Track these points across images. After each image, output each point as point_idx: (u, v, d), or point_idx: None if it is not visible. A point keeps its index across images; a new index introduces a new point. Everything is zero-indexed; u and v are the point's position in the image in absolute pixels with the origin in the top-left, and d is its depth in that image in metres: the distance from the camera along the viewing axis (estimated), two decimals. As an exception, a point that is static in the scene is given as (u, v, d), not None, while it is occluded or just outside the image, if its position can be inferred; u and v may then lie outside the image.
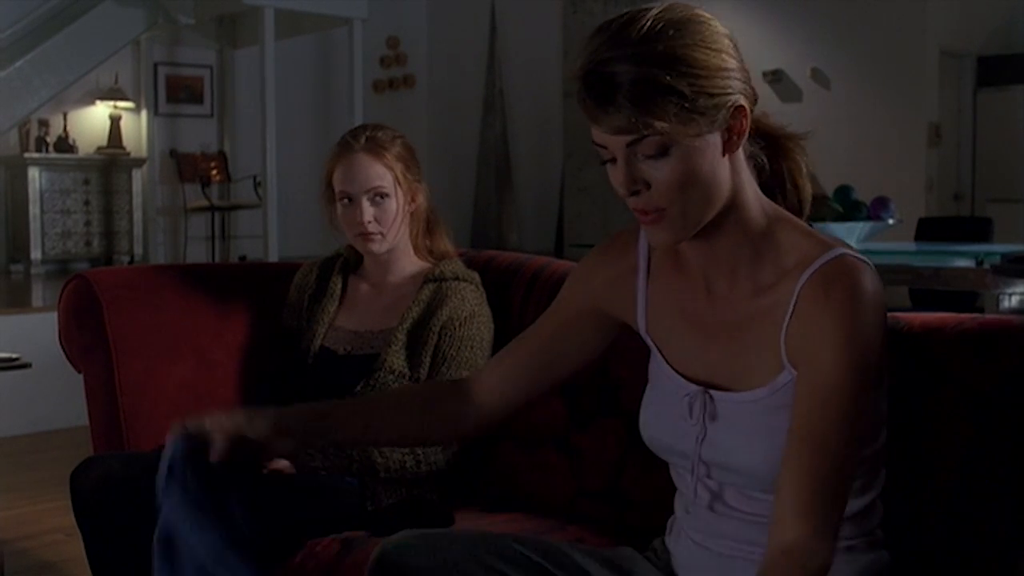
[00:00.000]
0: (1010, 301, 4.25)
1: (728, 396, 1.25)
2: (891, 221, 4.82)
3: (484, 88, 8.79)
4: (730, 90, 1.16)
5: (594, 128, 1.17)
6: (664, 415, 1.32)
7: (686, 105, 1.12)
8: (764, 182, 1.29)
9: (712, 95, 1.14)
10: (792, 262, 1.22)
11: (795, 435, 1.15)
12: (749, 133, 1.21)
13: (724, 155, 1.19)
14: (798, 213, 1.32)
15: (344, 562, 1.66)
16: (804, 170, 1.33)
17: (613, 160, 1.17)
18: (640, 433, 1.37)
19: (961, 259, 4.64)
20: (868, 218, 4.61)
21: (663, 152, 1.14)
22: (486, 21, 8.76)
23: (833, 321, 1.15)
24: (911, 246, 5.03)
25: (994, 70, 8.71)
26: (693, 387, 1.28)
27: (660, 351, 1.34)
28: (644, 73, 1.11)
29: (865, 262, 1.19)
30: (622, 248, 1.39)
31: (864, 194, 5.02)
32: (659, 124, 1.12)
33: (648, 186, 1.16)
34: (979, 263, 4.48)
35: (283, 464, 1.83)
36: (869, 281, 1.18)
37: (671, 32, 1.13)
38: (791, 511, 1.13)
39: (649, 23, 1.13)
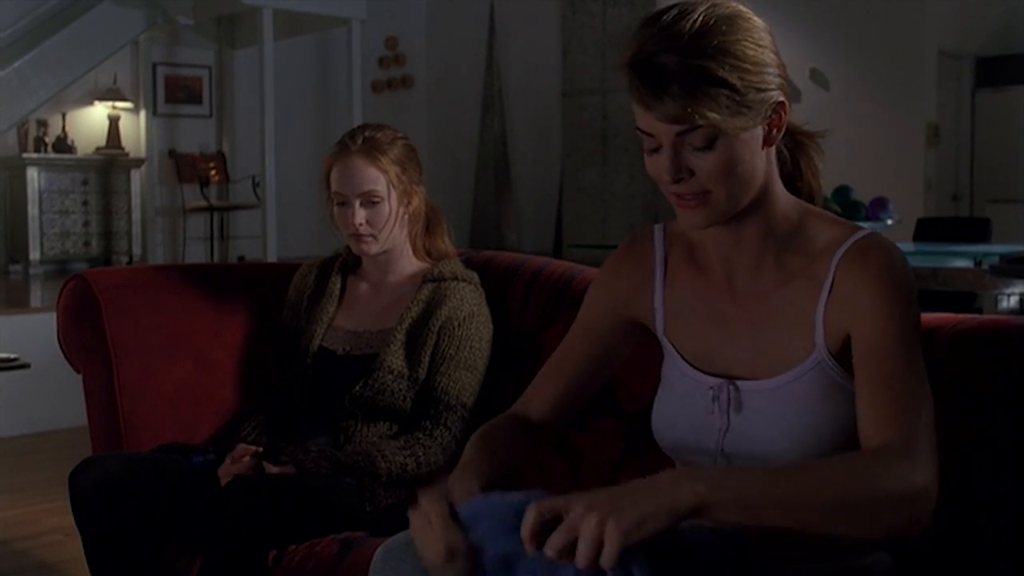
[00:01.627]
0: (1008, 301, 4.25)
1: (753, 385, 1.27)
2: (890, 222, 4.83)
3: (483, 89, 8.79)
4: (772, 85, 1.20)
5: (642, 116, 1.19)
6: (682, 414, 1.32)
7: (736, 98, 1.16)
8: (783, 175, 1.32)
9: (760, 90, 1.18)
10: (821, 245, 1.26)
11: (864, 382, 1.17)
12: None
13: (763, 148, 1.23)
14: None
15: (344, 562, 1.66)
16: (818, 168, 1.37)
17: (657, 149, 1.21)
18: (652, 434, 1.37)
19: (959, 259, 4.65)
20: (867, 218, 4.62)
21: (710, 143, 1.18)
22: (485, 22, 8.76)
23: (876, 284, 1.19)
24: (910, 246, 5.04)
25: (993, 71, 8.73)
26: (716, 380, 1.29)
27: (678, 352, 1.35)
28: (698, 65, 1.15)
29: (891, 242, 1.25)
30: (639, 254, 1.41)
31: (863, 194, 5.03)
32: (711, 115, 1.15)
33: (692, 174, 1.20)
34: (977, 263, 4.49)
35: (283, 468, 1.83)
36: (899, 253, 1.23)
37: (723, 27, 1.17)
38: (876, 435, 1.13)
39: (701, 18, 1.17)
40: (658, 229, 1.40)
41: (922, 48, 7.69)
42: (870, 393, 1.16)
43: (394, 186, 2.02)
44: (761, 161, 1.23)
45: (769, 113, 1.20)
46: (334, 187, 2.03)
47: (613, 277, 1.43)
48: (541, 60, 8.27)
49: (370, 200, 2.01)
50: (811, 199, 1.36)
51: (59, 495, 2.10)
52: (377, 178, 2.01)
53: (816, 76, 7.71)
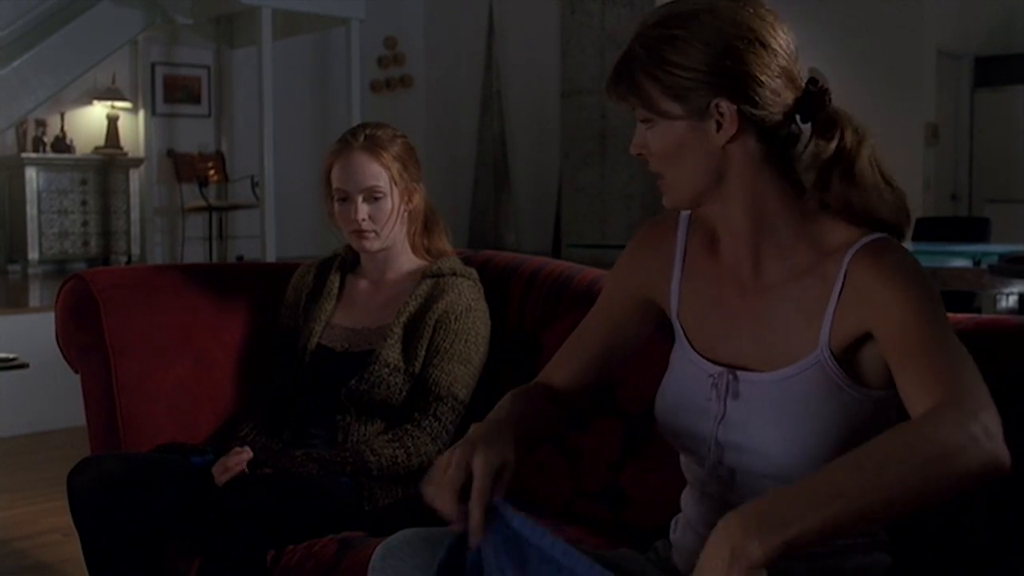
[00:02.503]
0: (1007, 301, 4.25)
1: (753, 376, 1.27)
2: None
3: (481, 88, 8.79)
4: (707, 88, 1.21)
5: None
6: (683, 399, 1.33)
7: (659, 90, 1.23)
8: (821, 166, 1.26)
9: (686, 88, 1.22)
10: (833, 244, 1.26)
11: (900, 365, 1.16)
12: (834, 123, 1.25)
13: (720, 146, 1.24)
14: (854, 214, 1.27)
15: (343, 562, 1.66)
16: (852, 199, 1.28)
17: None
18: (653, 434, 1.37)
19: (958, 259, 4.65)
20: (865, 218, 4.60)
21: (648, 122, 1.26)
22: (484, 21, 8.76)
23: (893, 280, 1.19)
24: (909, 246, 5.03)
25: (991, 70, 8.72)
26: (718, 368, 1.30)
27: (687, 338, 1.36)
28: (634, 53, 1.25)
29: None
30: (661, 237, 1.42)
31: (861, 194, 5.01)
32: (632, 99, 1.25)
33: (649, 151, 1.28)
34: (976, 263, 4.49)
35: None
36: (912, 255, 1.23)
37: (677, 22, 1.23)
38: (921, 402, 1.11)
39: (675, 10, 1.24)
40: (684, 215, 1.41)
41: (921, 48, 7.69)
42: (908, 372, 1.15)
43: (396, 183, 2.03)
44: (709, 158, 1.24)
45: (703, 112, 1.22)
46: (336, 183, 2.03)
47: (634, 258, 1.45)
48: (540, 60, 8.27)
49: (373, 195, 2.01)
50: (848, 212, 1.28)
51: (58, 495, 2.10)
52: (380, 174, 2.01)
53: (815, 76, 7.68)
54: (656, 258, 1.41)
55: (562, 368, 1.45)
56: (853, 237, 1.25)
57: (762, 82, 1.22)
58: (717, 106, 1.22)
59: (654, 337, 1.44)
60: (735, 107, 1.22)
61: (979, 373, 1.12)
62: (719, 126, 1.23)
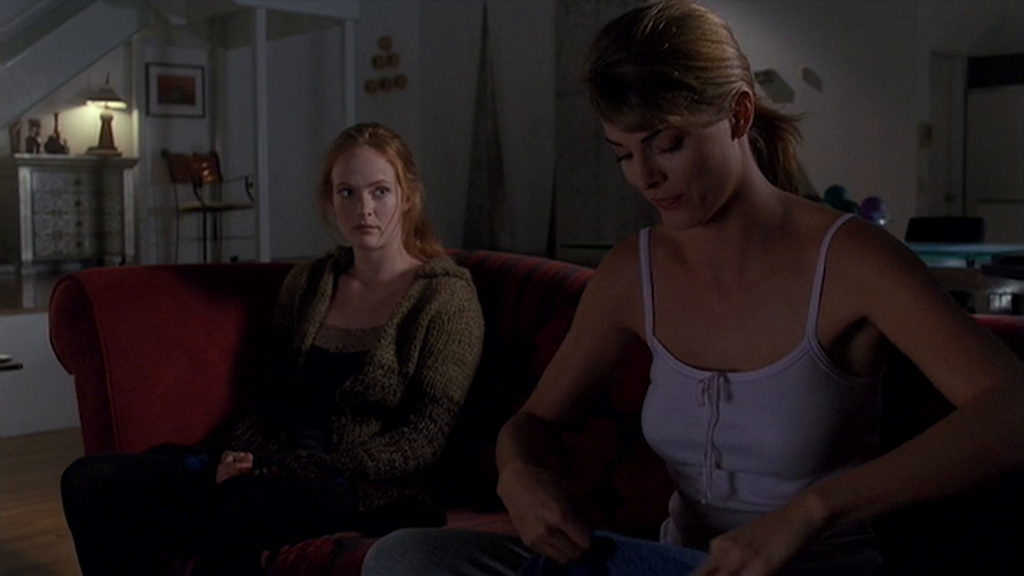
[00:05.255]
0: (1000, 301, 4.26)
1: (743, 376, 1.27)
2: (882, 221, 4.84)
3: (476, 89, 8.78)
4: (733, 78, 1.20)
5: (608, 127, 1.20)
6: (672, 410, 1.33)
7: (695, 97, 1.16)
8: (760, 165, 1.32)
9: (718, 84, 1.18)
10: (807, 233, 1.26)
11: (922, 348, 1.17)
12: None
13: (733, 139, 1.23)
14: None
15: (337, 562, 1.66)
16: (793, 152, 1.37)
17: (629, 156, 1.22)
18: (643, 435, 1.37)
19: (952, 259, 4.66)
20: (859, 219, 4.61)
21: (677, 144, 1.19)
22: (478, 22, 8.76)
23: (879, 258, 1.20)
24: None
25: (985, 71, 8.74)
26: (706, 373, 1.30)
27: (667, 350, 1.35)
28: (652, 71, 1.15)
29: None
30: (623, 262, 1.42)
31: (855, 195, 5.04)
32: (671, 118, 1.16)
33: (665, 177, 1.21)
34: (970, 263, 4.51)
35: (268, 469, 1.84)
36: (887, 231, 1.24)
37: (673, 29, 1.17)
38: (964, 381, 1.14)
39: (651, 23, 1.17)
40: (643, 235, 1.41)
41: (915, 49, 7.70)
42: (936, 355, 1.16)
43: (400, 180, 2.05)
44: (734, 153, 1.23)
45: (733, 105, 1.21)
46: (340, 179, 2.03)
47: (601, 288, 1.44)
48: (534, 60, 8.27)
49: (379, 189, 2.02)
50: (788, 183, 1.36)
51: (52, 496, 2.10)
52: (386, 168, 2.03)
53: (809, 76, 7.71)
54: (621, 284, 1.41)
55: (546, 398, 1.47)
56: (825, 221, 1.26)
57: (748, 64, 1.24)
58: (743, 95, 1.21)
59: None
60: (750, 92, 1.22)
61: (1000, 342, 1.15)
62: (736, 119, 1.22)
